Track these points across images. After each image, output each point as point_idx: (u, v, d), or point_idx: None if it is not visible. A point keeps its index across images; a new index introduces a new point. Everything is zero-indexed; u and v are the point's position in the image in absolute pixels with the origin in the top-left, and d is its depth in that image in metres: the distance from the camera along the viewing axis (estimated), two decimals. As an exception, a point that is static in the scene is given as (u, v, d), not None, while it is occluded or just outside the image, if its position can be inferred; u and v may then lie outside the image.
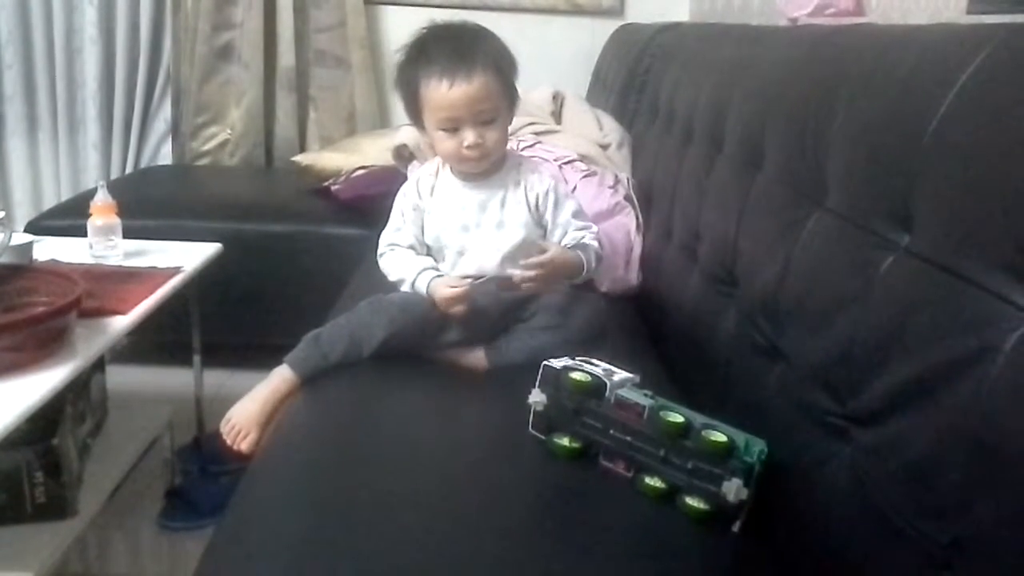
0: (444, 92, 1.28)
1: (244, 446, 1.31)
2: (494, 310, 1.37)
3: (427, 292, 1.35)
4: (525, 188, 1.39)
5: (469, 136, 1.31)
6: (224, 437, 1.34)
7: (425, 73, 1.30)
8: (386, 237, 1.45)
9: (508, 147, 1.43)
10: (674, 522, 0.98)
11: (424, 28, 1.35)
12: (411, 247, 1.43)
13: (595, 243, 1.41)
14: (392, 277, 1.42)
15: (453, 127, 1.31)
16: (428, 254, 1.44)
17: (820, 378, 0.96)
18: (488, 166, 1.37)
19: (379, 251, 1.45)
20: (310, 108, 3.31)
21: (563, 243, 1.38)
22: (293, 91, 3.22)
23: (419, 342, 1.35)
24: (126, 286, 1.57)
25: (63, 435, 1.42)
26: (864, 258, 0.91)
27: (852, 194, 0.99)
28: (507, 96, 1.34)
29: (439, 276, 1.37)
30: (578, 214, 1.42)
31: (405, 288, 1.39)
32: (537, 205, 1.39)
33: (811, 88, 1.17)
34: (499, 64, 1.32)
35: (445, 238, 1.41)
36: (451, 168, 1.41)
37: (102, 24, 3.13)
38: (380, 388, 1.31)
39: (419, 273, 1.37)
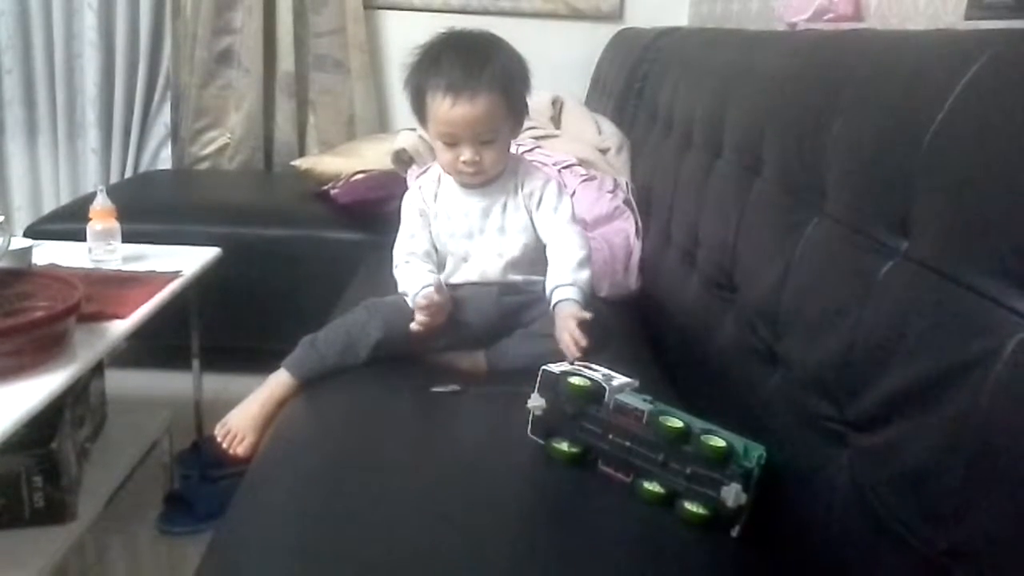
0: (446, 109, 1.28)
1: (240, 450, 1.31)
2: (493, 314, 1.37)
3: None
4: (523, 192, 1.39)
5: (466, 153, 1.31)
6: (220, 441, 1.34)
7: (432, 84, 1.30)
8: (402, 246, 1.42)
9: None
10: (673, 527, 0.98)
11: (442, 33, 1.35)
12: (427, 252, 1.41)
13: (579, 255, 1.34)
14: (400, 290, 1.40)
15: (452, 141, 1.31)
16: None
17: (819, 383, 0.96)
18: (484, 180, 1.37)
19: (395, 263, 1.42)
20: (309, 113, 3.31)
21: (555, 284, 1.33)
22: (293, 96, 3.23)
23: (412, 345, 1.35)
24: (125, 290, 1.57)
25: (62, 439, 1.42)
26: (862, 264, 0.91)
27: (851, 199, 0.99)
28: (512, 115, 1.34)
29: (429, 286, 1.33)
30: (556, 208, 1.38)
31: (409, 301, 1.38)
32: (529, 207, 1.39)
33: (810, 93, 1.17)
34: (507, 85, 1.30)
35: (450, 245, 1.41)
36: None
37: (102, 29, 3.13)
38: (378, 391, 1.31)
39: (419, 290, 1.34)
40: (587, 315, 1.24)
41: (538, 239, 1.40)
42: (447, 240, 1.41)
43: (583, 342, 1.21)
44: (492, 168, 1.35)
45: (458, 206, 1.40)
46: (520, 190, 1.39)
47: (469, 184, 1.38)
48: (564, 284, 1.32)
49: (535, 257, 1.40)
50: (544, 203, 1.39)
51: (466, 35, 1.35)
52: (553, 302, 1.32)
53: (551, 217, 1.39)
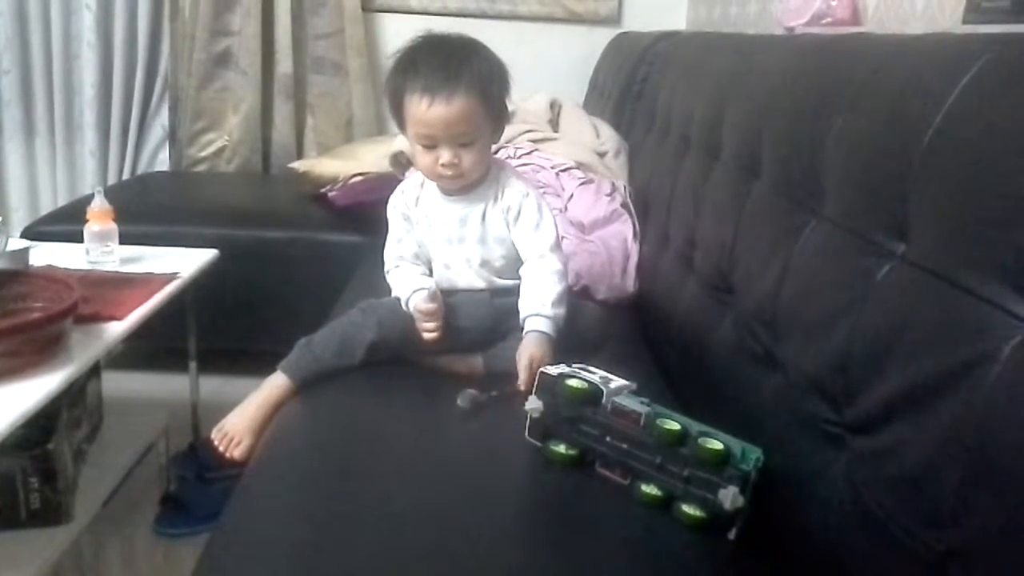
0: (423, 110, 1.26)
1: (236, 453, 1.31)
2: (487, 318, 1.37)
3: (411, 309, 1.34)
4: (500, 204, 1.36)
5: (445, 155, 1.29)
6: (216, 445, 1.33)
7: (410, 86, 1.28)
8: (391, 251, 1.42)
9: (498, 156, 1.41)
10: (670, 530, 0.98)
11: (419, 36, 1.33)
12: (416, 255, 1.41)
13: (558, 290, 1.32)
14: (394, 295, 1.39)
15: (430, 144, 1.30)
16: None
17: (816, 386, 0.96)
18: (464, 184, 1.35)
19: (386, 268, 1.42)
20: (307, 115, 3.31)
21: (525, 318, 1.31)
22: (291, 98, 3.23)
23: (408, 347, 1.35)
24: (122, 292, 1.57)
25: (58, 441, 1.42)
26: (860, 267, 0.91)
27: (848, 203, 0.99)
28: (491, 118, 1.31)
29: (422, 290, 1.33)
30: (538, 226, 1.35)
31: (402, 305, 1.37)
32: (507, 219, 1.37)
33: (808, 97, 1.17)
34: (485, 86, 1.28)
35: (432, 251, 1.41)
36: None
37: (100, 30, 3.13)
38: (375, 394, 1.31)
39: (411, 294, 1.34)
40: (550, 367, 1.17)
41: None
42: (429, 246, 1.41)
43: (525, 382, 1.21)
44: (472, 171, 1.32)
45: (438, 212, 1.39)
46: (499, 200, 1.36)
47: (449, 189, 1.37)
48: (543, 315, 1.30)
49: (519, 265, 1.38)
50: (523, 219, 1.35)
51: (443, 37, 1.33)
52: (527, 328, 1.30)
53: (531, 237, 1.35)
